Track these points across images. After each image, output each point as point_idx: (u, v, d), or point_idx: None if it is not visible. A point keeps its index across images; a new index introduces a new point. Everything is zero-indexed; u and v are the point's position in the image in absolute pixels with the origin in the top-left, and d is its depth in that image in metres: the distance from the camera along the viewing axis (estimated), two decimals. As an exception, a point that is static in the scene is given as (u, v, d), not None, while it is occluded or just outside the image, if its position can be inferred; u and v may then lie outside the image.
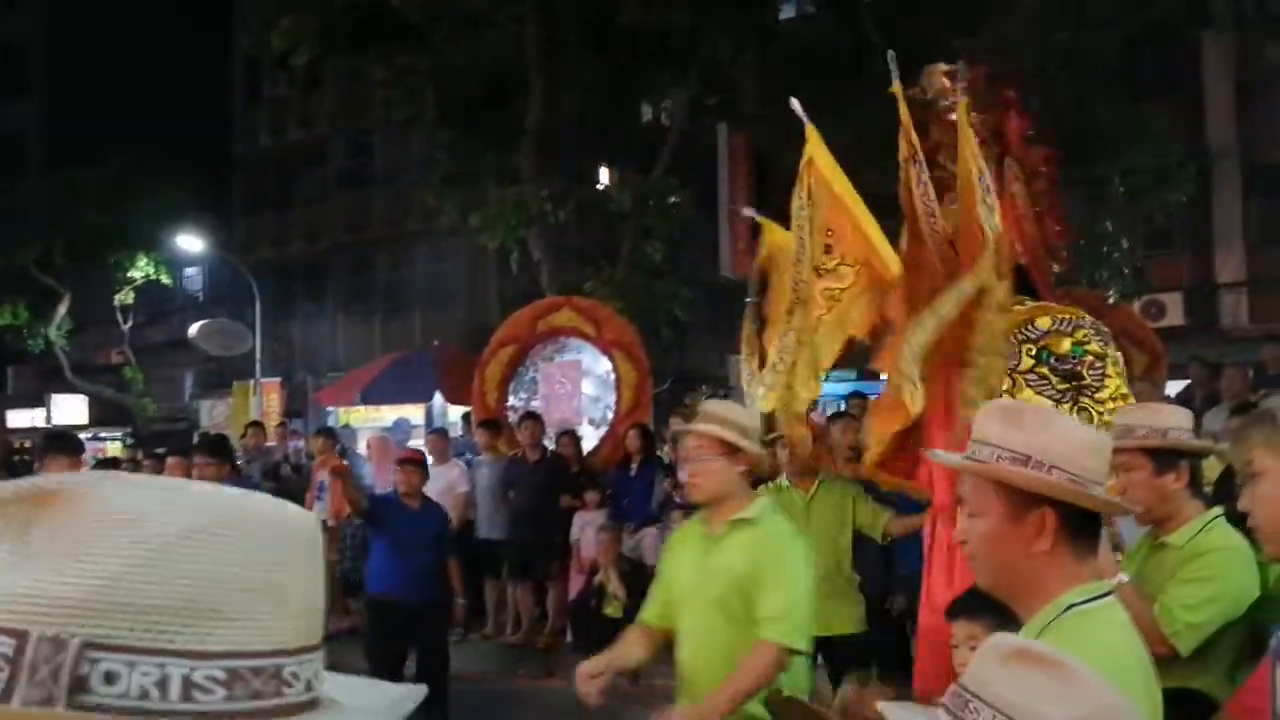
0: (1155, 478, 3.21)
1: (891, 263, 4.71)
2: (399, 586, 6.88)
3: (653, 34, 14.98)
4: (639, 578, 9.16)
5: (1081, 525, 1.96)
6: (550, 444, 10.60)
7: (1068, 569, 1.94)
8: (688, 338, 20.31)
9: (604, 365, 11.63)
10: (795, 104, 5.03)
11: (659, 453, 10.57)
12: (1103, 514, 2.07)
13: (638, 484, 9.92)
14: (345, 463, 7.95)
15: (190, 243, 21.80)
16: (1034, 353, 4.20)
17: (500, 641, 9.52)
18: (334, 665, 0.90)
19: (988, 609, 2.34)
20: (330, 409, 20.38)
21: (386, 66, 15.79)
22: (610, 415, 11.39)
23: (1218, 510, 3.27)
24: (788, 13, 17.68)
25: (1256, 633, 2.92)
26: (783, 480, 6.49)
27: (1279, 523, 2.07)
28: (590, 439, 11.21)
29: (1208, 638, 3.02)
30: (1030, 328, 4.24)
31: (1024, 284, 4.37)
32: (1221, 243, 19.06)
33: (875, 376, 7.21)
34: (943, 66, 4.71)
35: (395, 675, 6.66)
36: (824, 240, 4.91)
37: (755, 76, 16.43)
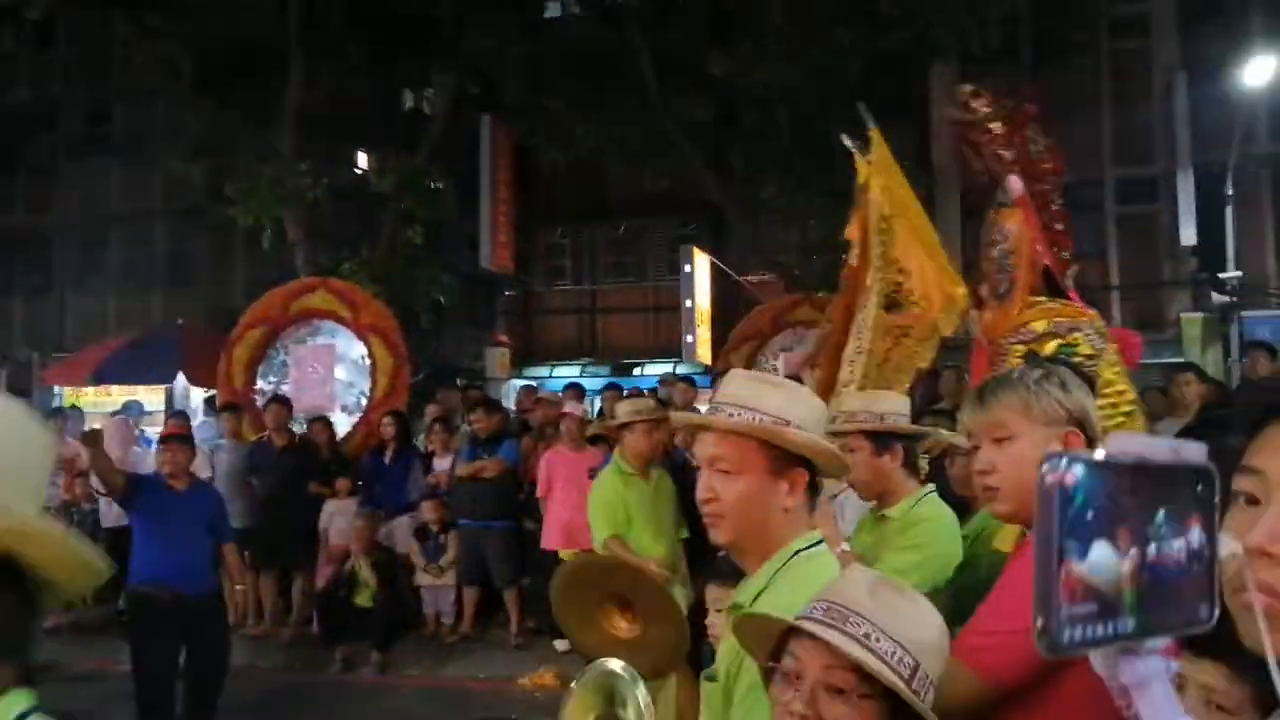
0: (874, 458, 3.58)
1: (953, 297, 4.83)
2: (168, 578, 6.20)
3: (417, 20, 14.84)
4: (390, 566, 9.13)
5: (814, 486, 2.17)
6: (300, 429, 10.35)
7: (802, 522, 2.14)
8: (445, 328, 20.20)
9: (359, 350, 11.43)
10: (863, 110, 5.03)
11: (415, 441, 10.52)
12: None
13: (393, 472, 9.84)
14: (98, 428, 7.01)
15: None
16: (1021, 353, 4.46)
17: (244, 633, 9.22)
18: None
19: (734, 573, 2.53)
20: (58, 389, 18.97)
21: (135, 26, 14.88)
22: (365, 401, 11.22)
23: (930, 487, 3.68)
24: (553, 11, 17.87)
25: (958, 596, 3.27)
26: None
27: (1024, 484, 2.08)
28: (343, 425, 11.01)
29: None
30: (1024, 330, 4.54)
31: (1050, 285, 4.69)
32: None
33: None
34: (967, 88, 4.95)
35: (169, 679, 6.19)
36: (895, 278, 4.92)
37: (519, 71, 16.53)
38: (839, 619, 1.68)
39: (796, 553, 2.10)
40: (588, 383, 13.04)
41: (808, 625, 1.70)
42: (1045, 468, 0.80)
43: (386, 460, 9.91)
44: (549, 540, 8.30)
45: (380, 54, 15.59)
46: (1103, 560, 0.79)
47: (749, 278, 18.47)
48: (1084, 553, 0.78)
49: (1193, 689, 1.80)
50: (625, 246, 23.19)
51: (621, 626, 2.12)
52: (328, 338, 11.66)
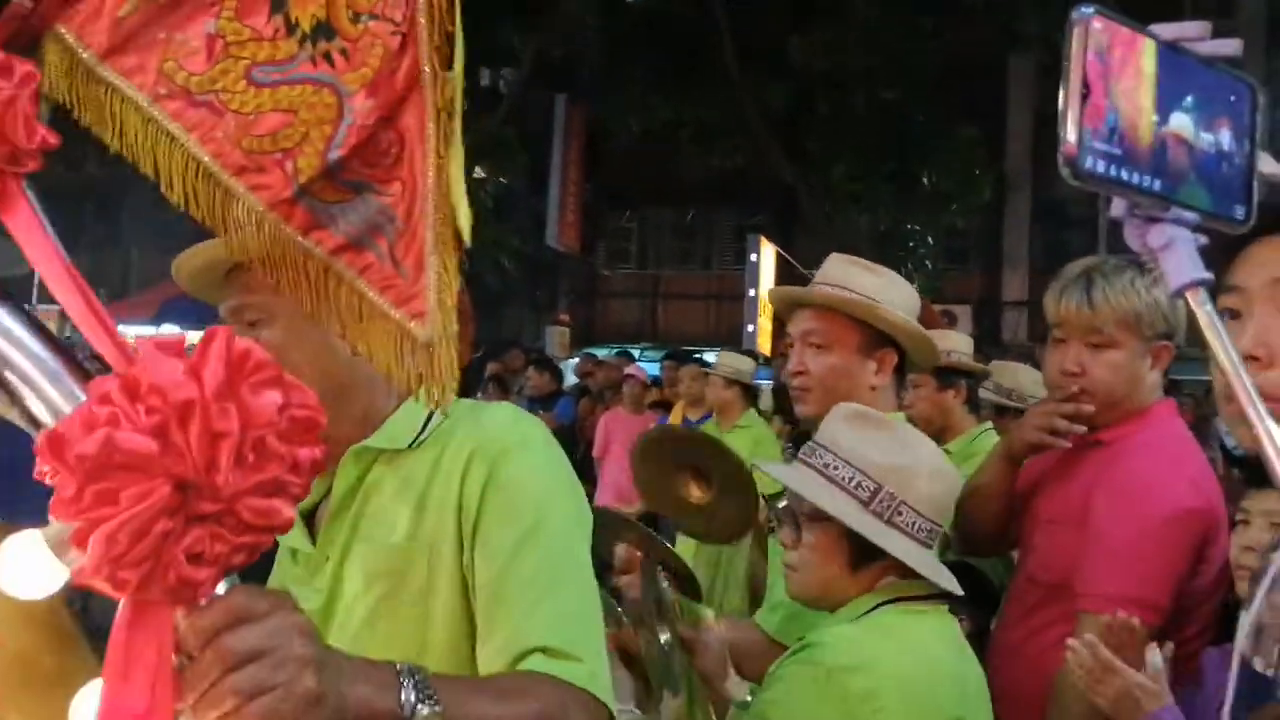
0: (937, 393, 3.68)
1: None
2: None
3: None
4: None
5: (901, 369, 2.25)
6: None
7: (888, 404, 2.19)
8: (506, 308, 20.33)
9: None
10: None
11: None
12: None
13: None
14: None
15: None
16: None
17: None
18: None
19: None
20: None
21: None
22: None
23: (988, 424, 3.72)
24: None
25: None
26: None
27: (1115, 398, 2.11)
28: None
29: None
30: None
31: None
32: (1010, 264, 20.63)
33: None
34: None
35: None
36: None
37: (597, 45, 16.56)
38: (808, 453, 1.79)
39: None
40: (644, 367, 13.07)
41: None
42: (1074, 15, 0.78)
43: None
44: (602, 499, 8.33)
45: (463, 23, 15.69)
46: (1126, 107, 0.77)
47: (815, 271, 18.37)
48: (1107, 92, 0.77)
49: (1258, 518, 1.94)
50: (691, 232, 23.19)
51: (695, 494, 2.20)
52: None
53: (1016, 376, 4.13)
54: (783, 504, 1.82)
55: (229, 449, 0.78)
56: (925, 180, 15.06)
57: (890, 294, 2.22)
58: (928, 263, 15.94)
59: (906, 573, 1.72)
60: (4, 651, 0.90)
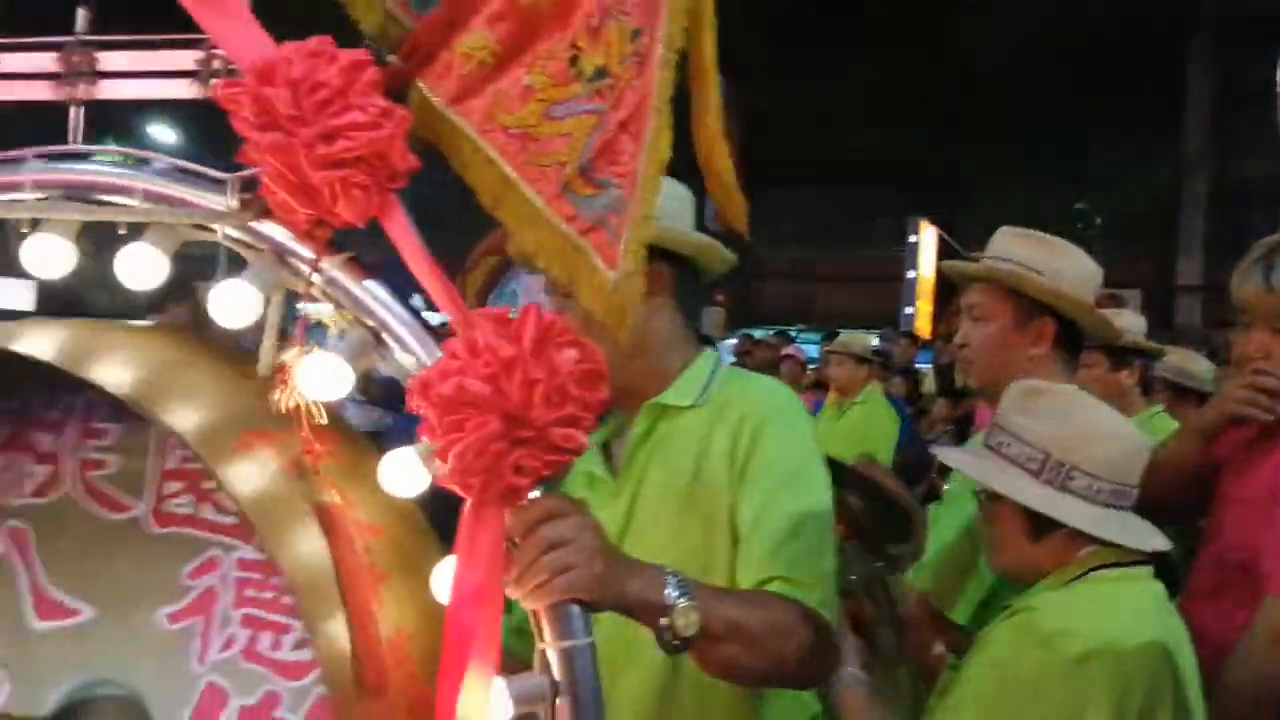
0: (1110, 373, 3.61)
1: None
2: None
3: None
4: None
5: (1070, 341, 2.24)
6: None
7: (1058, 369, 2.20)
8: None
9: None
10: None
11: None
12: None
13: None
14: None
15: None
16: None
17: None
18: None
19: None
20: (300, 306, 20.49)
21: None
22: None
23: (1160, 406, 3.73)
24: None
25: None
26: None
27: None
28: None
29: None
30: None
31: None
32: (1185, 248, 19.78)
33: None
34: None
35: None
36: None
37: (759, 22, 16.58)
38: (990, 435, 1.82)
39: None
40: (802, 348, 13.18)
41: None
42: None
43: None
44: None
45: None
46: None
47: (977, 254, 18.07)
48: None
49: None
50: (850, 213, 23.07)
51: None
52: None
53: (1189, 364, 4.10)
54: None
55: (541, 391, 1.08)
56: (1098, 160, 14.65)
57: (1057, 264, 2.23)
58: (1096, 246, 15.49)
59: (1099, 538, 1.69)
60: (385, 537, 1.22)
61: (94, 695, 1.42)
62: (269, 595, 1.38)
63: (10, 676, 1.44)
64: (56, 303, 1.42)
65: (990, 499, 1.77)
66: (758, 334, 21.75)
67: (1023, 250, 2.26)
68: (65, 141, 1.28)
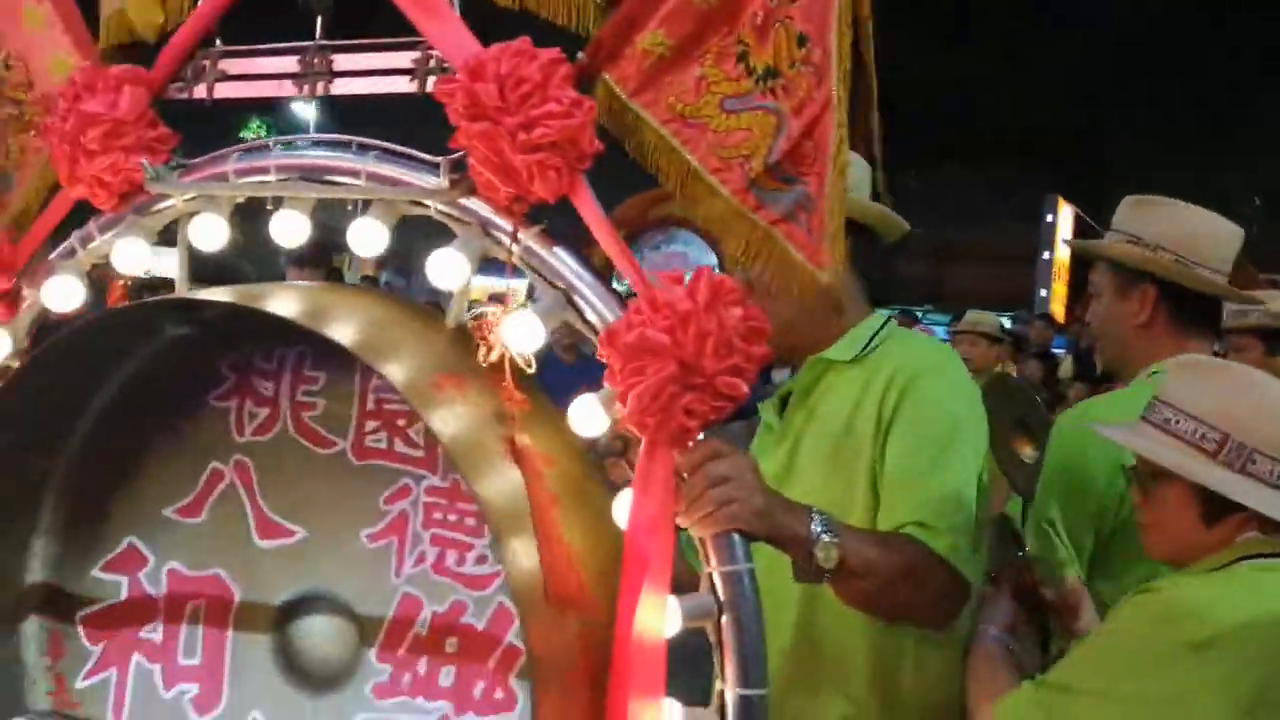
0: (1266, 358, 3.42)
1: None
2: None
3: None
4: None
5: (1184, 302, 2.14)
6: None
7: (1164, 342, 2.13)
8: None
9: (710, 260, 12.02)
10: None
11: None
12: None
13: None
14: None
15: None
16: None
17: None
18: None
19: None
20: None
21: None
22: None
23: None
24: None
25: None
26: None
27: None
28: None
29: None
30: None
31: None
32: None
33: None
34: None
35: None
36: None
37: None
38: (1150, 411, 1.70)
39: (1153, 373, 2.08)
40: (932, 330, 13.04)
41: (1103, 431, 1.78)
42: None
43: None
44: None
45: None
46: None
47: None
48: None
49: None
50: (984, 192, 22.60)
51: (1027, 451, 2.29)
52: (681, 246, 12.35)
53: None
54: (1132, 466, 1.76)
55: (711, 343, 1.25)
56: (1251, 136, 14.04)
57: (1158, 226, 2.17)
58: (1253, 230, 14.84)
59: (1265, 524, 1.60)
60: (557, 468, 1.40)
61: (310, 604, 1.66)
62: (454, 518, 1.59)
63: (239, 586, 1.69)
64: (207, 271, 1.65)
65: (1153, 478, 1.67)
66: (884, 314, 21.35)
67: (1129, 217, 2.23)
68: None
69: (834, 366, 1.84)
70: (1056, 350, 11.03)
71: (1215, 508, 1.61)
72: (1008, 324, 10.77)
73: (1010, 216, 21.96)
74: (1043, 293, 18.15)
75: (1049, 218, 18.14)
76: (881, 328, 1.88)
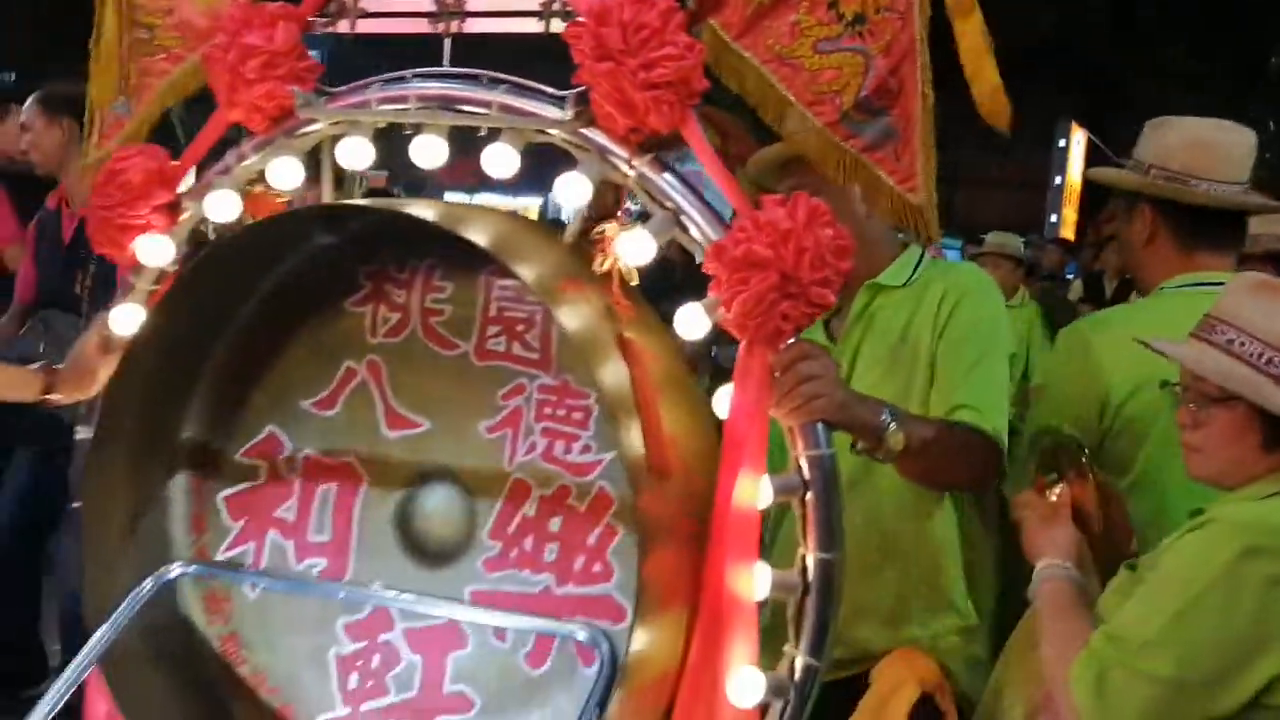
0: None
1: None
2: None
3: None
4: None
5: (1185, 219, 2.13)
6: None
7: (1169, 259, 2.16)
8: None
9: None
10: None
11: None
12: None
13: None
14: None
15: None
16: None
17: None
18: None
19: None
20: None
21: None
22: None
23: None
24: None
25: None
26: None
27: None
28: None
29: None
30: None
31: None
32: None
33: None
34: None
35: None
36: None
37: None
38: (1206, 330, 1.66)
39: (1161, 289, 2.17)
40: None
41: (1155, 344, 1.73)
42: None
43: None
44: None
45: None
46: None
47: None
48: None
49: None
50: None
51: None
52: (693, 165, 12.44)
53: None
54: (1173, 383, 1.73)
55: (807, 257, 1.45)
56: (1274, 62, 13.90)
57: (1157, 140, 2.20)
58: (1271, 156, 14.79)
59: None
60: (661, 365, 1.62)
61: (431, 487, 1.89)
62: (562, 412, 1.81)
63: (367, 471, 1.91)
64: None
65: (1217, 400, 1.63)
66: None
67: (1140, 141, 2.23)
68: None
69: (884, 290, 2.10)
70: (1069, 276, 11.18)
71: (1278, 433, 1.60)
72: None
73: (1022, 139, 21.88)
74: (1053, 218, 18.22)
75: (1062, 142, 18.14)
76: (922, 257, 2.14)
